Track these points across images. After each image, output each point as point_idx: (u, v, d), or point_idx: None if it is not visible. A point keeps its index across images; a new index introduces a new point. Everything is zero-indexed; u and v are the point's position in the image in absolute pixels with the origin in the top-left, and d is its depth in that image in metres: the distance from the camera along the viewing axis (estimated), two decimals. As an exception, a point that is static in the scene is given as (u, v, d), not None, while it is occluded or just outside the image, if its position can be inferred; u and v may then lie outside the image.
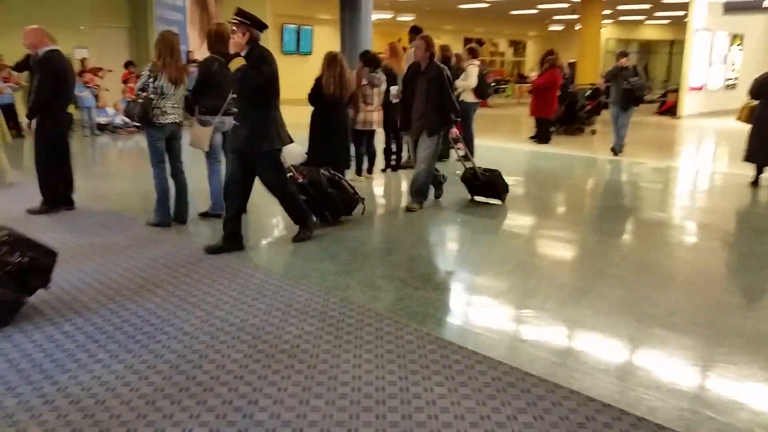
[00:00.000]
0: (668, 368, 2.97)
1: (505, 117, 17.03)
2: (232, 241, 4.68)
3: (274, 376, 2.83)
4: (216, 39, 5.42)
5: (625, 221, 6.11)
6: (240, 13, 4.47)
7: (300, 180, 5.31)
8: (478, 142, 9.41)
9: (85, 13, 14.10)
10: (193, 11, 18.10)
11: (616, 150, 9.83)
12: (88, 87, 12.02)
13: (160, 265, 4.35)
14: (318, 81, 6.62)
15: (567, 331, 3.45)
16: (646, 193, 7.57)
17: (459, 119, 6.17)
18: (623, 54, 10.04)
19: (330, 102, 6.55)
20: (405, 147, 8.43)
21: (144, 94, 5.10)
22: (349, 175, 7.38)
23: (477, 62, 9.07)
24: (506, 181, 6.39)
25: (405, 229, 5.50)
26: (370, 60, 7.25)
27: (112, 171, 9.16)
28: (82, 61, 13.23)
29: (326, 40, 19.30)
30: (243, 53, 4.44)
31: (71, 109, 6.06)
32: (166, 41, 5.09)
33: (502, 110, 18.64)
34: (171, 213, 5.39)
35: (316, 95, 6.62)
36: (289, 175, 5.14)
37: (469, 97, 8.98)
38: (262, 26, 4.52)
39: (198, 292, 3.85)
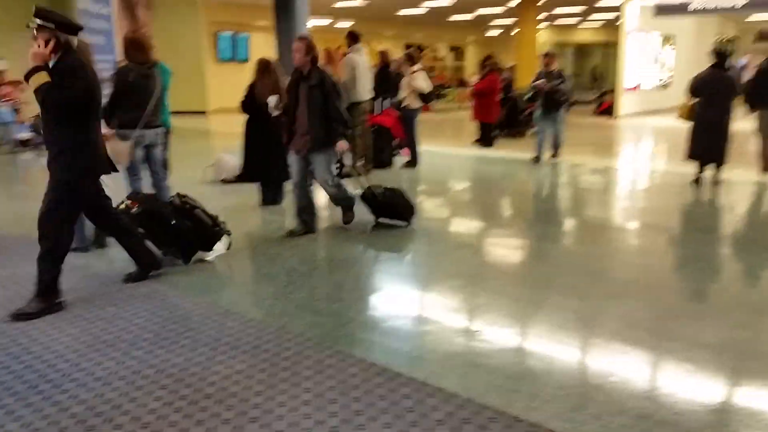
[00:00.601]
0: (633, 391, 2.76)
1: (447, 122, 16.96)
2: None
3: (197, 428, 2.46)
4: (132, 46, 5.01)
5: (571, 225, 5.98)
6: (40, 13, 3.49)
7: (133, 210, 4.37)
8: (423, 147, 9.19)
9: (2, 23, 13.21)
10: (120, 19, 17.33)
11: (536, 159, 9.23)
12: (6, 101, 11.20)
13: (75, 297, 3.88)
14: (251, 88, 6.25)
15: (523, 351, 3.21)
16: (590, 195, 7.51)
17: (349, 130, 5.37)
18: (547, 56, 9.61)
19: (264, 110, 6.19)
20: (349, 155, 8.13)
21: None
22: (290, 186, 7.05)
23: (419, 67, 8.86)
24: (410, 201, 5.61)
25: (348, 244, 5.17)
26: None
27: (34, 191, 8.45)
28: (0, 72, 12.36)
29: (263, 47, 18.79)
30: (50, 64, 3.50)
31: None
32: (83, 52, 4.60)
33: (445, 114, 18.58)
34: (86, 236, 4.90)
35: (250, 103, 6.25)
36: (121, 204, 4.42)
37: (413, 103, 8.77)
38: (75, 28, 3.63)
39: (114, 328, 3.43)
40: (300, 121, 5.08)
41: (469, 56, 31.00)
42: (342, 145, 5.16)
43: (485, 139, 11.47)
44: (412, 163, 9.01)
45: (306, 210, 5.36)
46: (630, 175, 9.01)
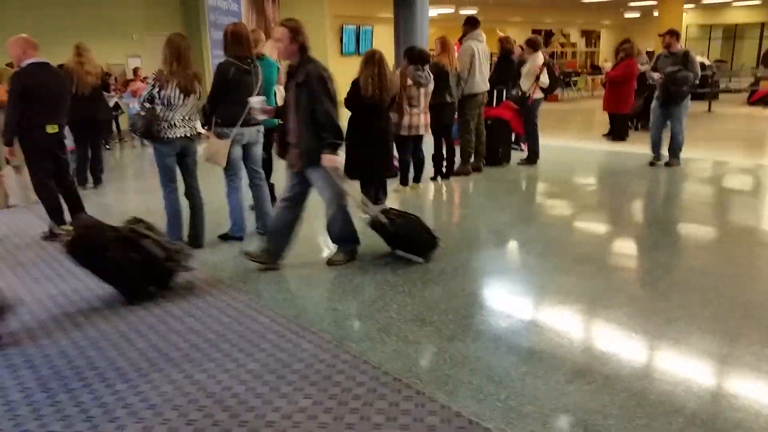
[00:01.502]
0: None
1: (576, 112, 15.75)
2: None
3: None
4: (233, 40, 4.80)
5: (711, 240, 5.05)
6: None
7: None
8: (546, 141, 8.42)
9: (137, 22, 14.00)
10: (249, 15, 17.89)
11: (654, 159, 7.91)
12: (136, 97, 11.83)
13: (154, 302, 3.73)
14: (355, 82, 5.90)
15: (654, 412, 2.55)
16: (736, 201, 6.40)
17: (341, 141, 4.11)
18: (669, 33, 7.72)
19: (369, 105, 5.82)
20: (458, 151, 7.61)
21: (149, 106, 4.54)
22: (394, 185, 6.67)
23: (539, 54, 8.08)
24: (430, 231, 4.53)
25: (448, 254, 4.66)
26: (415, 57, 6.45)
27: (150, 185, 8.76)
28: (135, 70, 13.13)
29: (387, 39, 18.62)
30: None
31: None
32: (173, 45, 4.49)
33: (574, 105, 17.33)
34: (183, 237, 4.80)
35: (353, 98, 5.90)
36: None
37: (534, 93, 8.03)
38: None
39: (185, 344, 3.20)
40: (291, 129, 4.18)
41: (603, 41, 28.95)
42: (330, 159, 4.03)
43: (617, 133, 10.43)
44: (532, 159, 8.28)
45: (277, 235, 4.35)
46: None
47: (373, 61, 5.79)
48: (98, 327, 3.43)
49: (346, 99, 5.99)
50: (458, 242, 4.90)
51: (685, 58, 7.48)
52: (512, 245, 4.90)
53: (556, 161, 8.39)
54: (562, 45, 27.77)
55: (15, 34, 5.05)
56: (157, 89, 4.49)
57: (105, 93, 7.92)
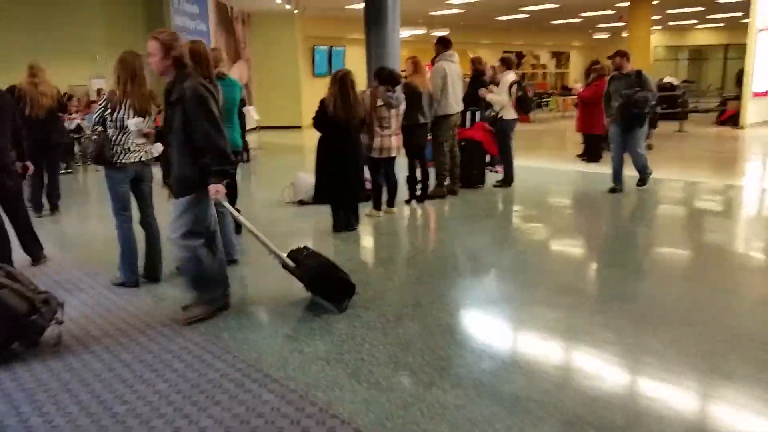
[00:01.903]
0: None
1: (549, 133, 15.75)
2: None
3: None
4: (193, 59, 4.50)
5: (692, 265, 4.87)
6: None
7: None
8: (520, 162, 8.26)
9: (101, 42, 13.60)
10: (217, 36, 17.62)
11: (616, 186, 7.40)
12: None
13: (102, 346, 3.38)
14: (322, 102, 5.67)
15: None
16: (712, 223, 6.28)
17: (229, 167, 3.56)
18: (618, 55, 7.38)
19: (336, 125, 5.58)
20: (432, 173, 7.39)
21: (100, 129, 4.22)
22: (367, 209, 6.41)
23: (511, 73, 7.94)
24: (346, 277, 3.94)
25: (423, 282, 4.39)
26: (385, 77, 6.23)
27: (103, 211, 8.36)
28: (98, 91, 12.72)
29: (359, 60, 18.53)
30: None
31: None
32: (126, 64, 4.17)
33: (546, 125, 17.35)
34: (138, 270, 4.45)
35: (320, 118, 5.66)
36: None
37: (507, 114, 7.86)
38: None
39: (132, 395, 2.85)
40: (170, 154, 3.69)
41: (573, 62, 29.33)
42: (216, 189, 3.48)
43: (591, 154, 10.34)
44: (507, 181, 8.09)
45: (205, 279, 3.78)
46: (759, 196, 7.60)
47: (337, 80, 5.59)
48: (34, 373, 3.07)
49: (314, 118, 5.77)
50: (434, 270, 4.63)
51: (638, 78, 7.14)
52: (491, 274, 4.65)
53: (531, 182, 8.23)
54: (533, 66, 28.03)
55: None
56: (109, 111, 4.17)
57: (62, 115, 7.50)
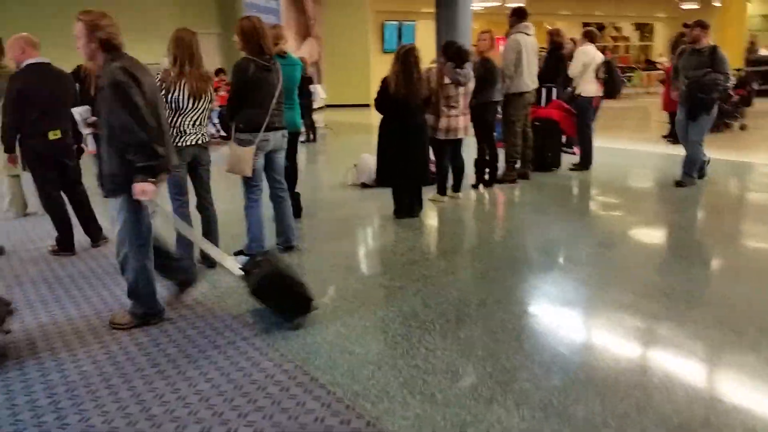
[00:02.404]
0: None
1: (631, 111, 14.76)
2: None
3: None
4: (250, 36, 4.30)
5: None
6: None
7: None
8: (599, 143, 7.69)
9: (172, 21, 13.72)
10: (288, 13, 17.52)
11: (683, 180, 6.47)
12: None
13: (150, 338, 3.26)
14: (384, 81, 5.36)
15: None
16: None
17: (158, 160, 3.10)
18: (698, 25, 6.29)
19: (398, 105, 5.27)
20: (502, 156, 6.97)
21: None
22: (431, 194, 6.10)
23: (591, 46, 7.33)
24: (303, 289, 3.39)
25: (487, 279, 4.06)
26: (453, 53, 5.85)
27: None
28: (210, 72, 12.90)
29: (430, 35, 18.05)
30: None
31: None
32: (183, 42, 4.01)
33: (628, 102, 16.31)
34: (194, 256, 4.34)
35: (381, 97, 5.36)
36: None
37: (586, 90, 7.30)
38: None
39: (173, 395, 2.70)
40: None
41: (658, 34, 27.53)
42: (142, 188, 3.08)
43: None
44: (584, 164, 7.56)
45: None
46: None
47: (400, 57, 5.26)
48: (79, 364, 2.98)
49: (375, 99, 5.47)
50: (501, 264, 4.28)
51: (712, 56, 6.08)
52: (564, 271, 4.24)
53: (611, 166, 7.64)
54: (614, 39, 26.51)
55: (50, 34, 4.70)
56: (162, 92, 4.02)
57: None
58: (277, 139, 4.50)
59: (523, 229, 5.27)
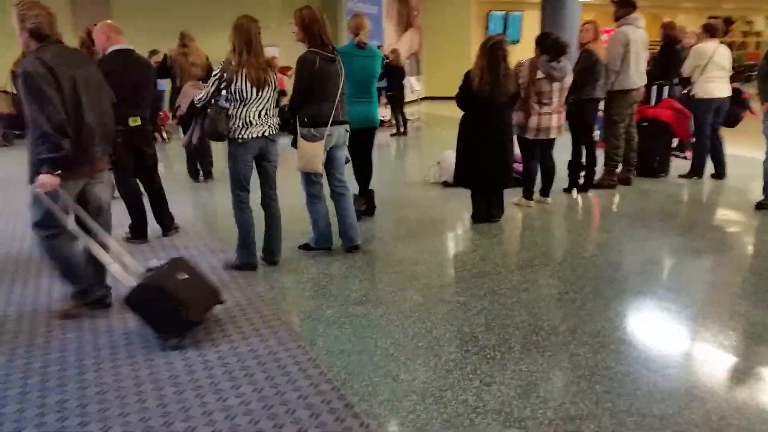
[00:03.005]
0: None
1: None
2: None
3: None
4: (310, 26, 4.09)
5: None
6: None
7: None
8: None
9: (275, 10, 13.93)
10: (390, 3, 17.31)
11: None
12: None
13: (193, 341, 3.12)
14: (467, 76, 4.95)
15: None
16: None
17: (57, 156, 2.98)
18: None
19: (480, 104, 4.86)
20: (602, 158, 6.37)
21: (214, 102, 3.93)
22: (516, 197, 5.65)
23: (712, 42, 6.48)
24: (180, 309, 2.99)
25: (568, 300, 3.60)
26: (548, 46, 5.34)
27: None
28: (271, 60, 13.05)
29: (537, 26, 17.25)
30: None
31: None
32: (242, 30, 3.83)
33: (755, 104, 14.70)
34: (257, 253, 4.19)
35: (463, 93, 4.97)
36: None
37: (704, 91, 6.48)
38: None
39: (198, 409, 2.52)
40: None
41: (797, 28, 24.86)
42: (42, 180, 2.98)
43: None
44: (696, 172, 6.75)
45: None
46: None
47: (486, 49, 4.84)
48: (121, 372, 2.88)
49: (456, 95, 5.09)
50: (584, 284, 3.79)
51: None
52: (657, 298, 3.69)
53: (730, 176, 6.78)
54: (744, 34, 24.22)
55: (155, 27, 4.75)
56: (225, 82, 3.86)
57: None
58: (340, 134, 4.34)
59: (615, 243, 4.70)
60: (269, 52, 14.95)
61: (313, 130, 4.16)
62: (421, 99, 16.42)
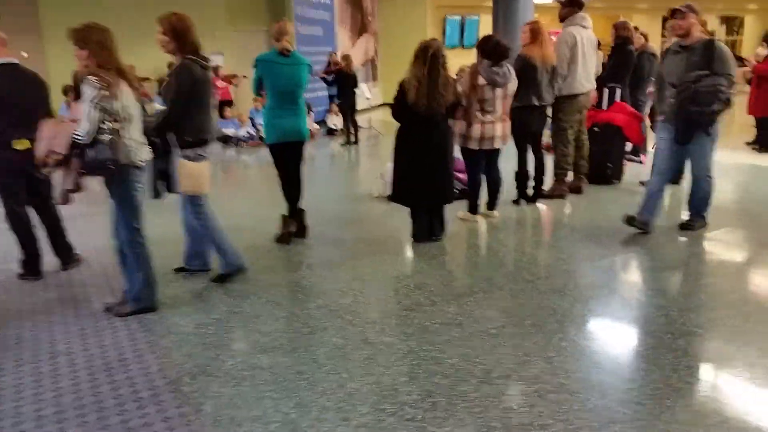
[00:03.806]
0: None
1: (712, 113, 13.21)
2: None
3: None
4: (183, 33, 3.62)
5: None
6: None
7: None
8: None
9: (220, 17, 13.35)
10: (342, 8, 16.84)
11: (641, 224, 4.70)
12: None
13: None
14: (401, 85, 4.52)
15: None
16: None
17: None
18: (687, 9, 4.49)
19: (418, 115, 4.43)
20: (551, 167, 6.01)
21: (103, 124, 3.31)
22: (461, 212, 5.25)
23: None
24: None
25: (505, 334, 3.17)
26: (489, 50, 4.95)
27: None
28: (215, 69, 12.48)
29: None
30: None
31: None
32: (104, 40, 3.26)
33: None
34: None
35: (399, 105, 4.53)
36: None
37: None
38: None
39: None
40: None
41: (748, 28, 25.23)
42: None
43: (765, 141, 8.26)
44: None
45: None
46: None
47: (424, 56, 4.40)
48: None
49: (392, 106, 4.66)
50: (525, 316, 3.36)
51: (707, 53, 4.29)
52: (615, 332, 3.29)
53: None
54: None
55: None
56: (104, 102, 3.25)
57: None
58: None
59: (563, 263, 4.28)
60: (215, 60, 14.17)
61: (198, 150, 3.70)
62: (379, 105, 16.03)
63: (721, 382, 2.70)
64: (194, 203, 3.80)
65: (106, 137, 3.21)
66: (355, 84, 11.62)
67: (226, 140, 11.40)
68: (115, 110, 3.23)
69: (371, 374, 2.79)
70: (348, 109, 11.32)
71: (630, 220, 4.72)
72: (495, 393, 2.60)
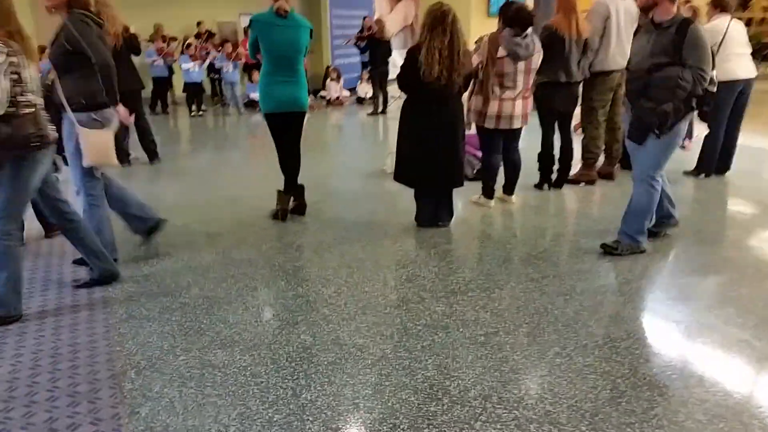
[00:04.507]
0: None
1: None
2: None
3: None
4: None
5: None
6: None
7: None
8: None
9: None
10: (378, -27, 16.20)
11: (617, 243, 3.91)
12: (233, 61, 10.85)
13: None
14: (412, 53, 4.08)
15: None
16: None
17: None
18: None
19: (429, 88, 4.01)
20: (579, 148, 5.53)
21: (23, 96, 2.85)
22: (474, 195, 4.87)
23: (724, 17, 5.52)
24: None
25: (492, 343, 2.81)
26: (511, 17, 4.47)
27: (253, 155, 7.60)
28: (246, 29, 12.19)
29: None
30: None
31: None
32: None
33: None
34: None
35: (409, 76, 4.10)
36: None
37: (721, 74, 5.38)
38: None
39: None
40: None
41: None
42: None
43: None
44: (705, 167, 5.78)
45: None
46: None
47: (443, 24, 3.95)
48: None
49: (398, 77, 4.25)
50: (526, 321, 2.99)
51: (677, 37, 3.37)
52: (620, 355, 2.90)
53: (743, 171, 5.89)
54: (765, 9, 22.85)
55: None
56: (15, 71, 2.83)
57: (135, 56, 6.56)
58: (113, 114, 3.49)
59: (578, 261, 3.85)
60: (244, 20, 13.87)
61: (93, 114, 3.35)
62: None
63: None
64: (88, 178, 3.47)
65: (26, 110, 2.85)
66: (388, 51, 11.15)
67: (253, 104, 11.17)
68: (25, 78, 2.86)
69: (332, 383, 2.47)
70: (378, 78, 10.88)
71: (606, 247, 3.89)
72: (467, 417, 2.25)
